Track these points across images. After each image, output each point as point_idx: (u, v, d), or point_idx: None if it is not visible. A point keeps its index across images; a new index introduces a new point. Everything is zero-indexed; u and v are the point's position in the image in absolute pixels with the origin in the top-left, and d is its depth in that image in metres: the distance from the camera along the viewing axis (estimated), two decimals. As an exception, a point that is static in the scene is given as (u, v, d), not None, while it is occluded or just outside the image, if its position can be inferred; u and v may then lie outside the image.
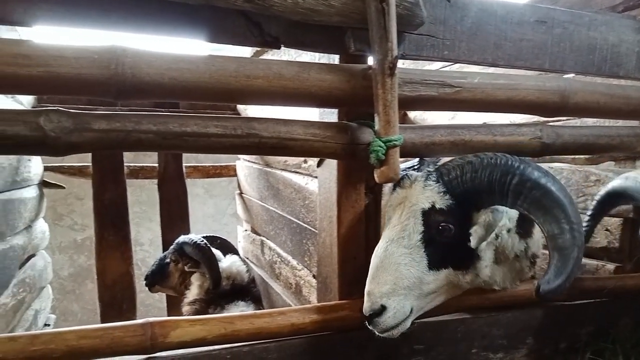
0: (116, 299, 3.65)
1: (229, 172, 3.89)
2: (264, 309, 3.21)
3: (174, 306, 3.84)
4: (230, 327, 1.59)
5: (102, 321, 3.67)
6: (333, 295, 1.82)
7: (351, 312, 1.74)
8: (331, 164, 1.75)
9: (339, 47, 1.58)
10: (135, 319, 3.93)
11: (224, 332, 1.58)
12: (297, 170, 2.47)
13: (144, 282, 3.68)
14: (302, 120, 1.55)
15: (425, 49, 1.65)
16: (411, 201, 1.54)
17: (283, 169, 2.65)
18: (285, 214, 2.65)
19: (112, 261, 3.58)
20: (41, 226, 3.33)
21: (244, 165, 3.47)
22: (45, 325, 3.33)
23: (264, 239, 3.18)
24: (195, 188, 5.20)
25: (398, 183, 1.57)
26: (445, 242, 1.50)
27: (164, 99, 1.36)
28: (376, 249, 1.51)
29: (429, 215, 1.51)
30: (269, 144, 1.48)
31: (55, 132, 1.27)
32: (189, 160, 3.75)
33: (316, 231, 2.23)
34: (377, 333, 1.50)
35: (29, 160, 2.76)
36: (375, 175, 1.52)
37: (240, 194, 3.67)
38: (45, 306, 3.36)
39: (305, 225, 2.36)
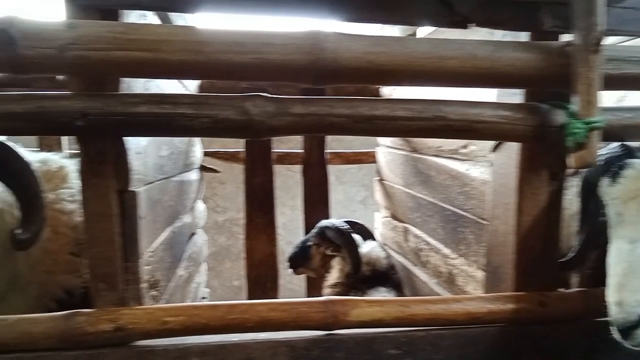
0: (261, 277, 3.87)
1: (369, 158, 3.92)
2: (404, 296, 3.19)
3: (313, 288, 3.96)
4: (407, 310, 1.60)
5: (249, 297, 3.92)
6: (506, 286, 1.75)
7: (528, 304, 1.66)
8: (510, 149, 1.67)
9: (530, 24, 1.49)
10: (277, 298, 4.13)
11: (400, 315, 1.59)
12: (453, 155, 2.41)
13: (287, 264, 3.83)
14: (490, 101, 1.49)
15: (628, 23, 1.50)
16: None
17: (436, 155, 2.60)
18: (437, 201, 2.60)
19: (259, 242, 3.80)
20: (200, 206, 3.62)
21: (386, 151, 3.47)
22: (202, 298, 3.63)
23: (408, 226, 3.16)
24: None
25: (617, 173, 1.41)
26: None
27: (356, 82, 1.39)
28: (614, 251, 1.37)
29: None
30: (455, 126, 1.44)
31: (260, 117, 1.35)
32: (330, 146, 3.83)
33: (476, 219, 2.15)
34: (631, 347, 1.33)
35: (194, 145, 3.00)
36: (571, 160, 1.41)
37: (381, 180, 3.68)
38: (202, 280, 3.66)
39: (463, 213, 2.29)
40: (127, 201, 1.49)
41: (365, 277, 3.35)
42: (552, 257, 1.69)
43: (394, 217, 3.51)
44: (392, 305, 1.60)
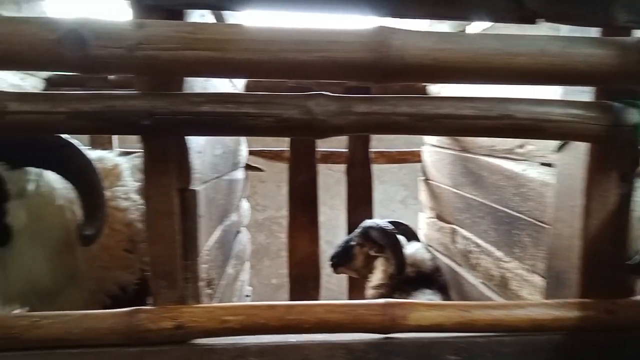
0: (303, 276, 3.87)
1: (414, 157, 3.86)
2: (451, 299, 3.13)
3: (354, 288, 3.94)
4: (468, 315, 1.55)
5: (291, 296, 3.93)
6: (570, 292, 1.68)
7: (595, 312, 1.59)
8: (577, 149, 1.60)
9: (602, 19, 1.42)
10: (318, 297, 4.11)
11: (460, 320, 1.55)
12: (508, 155, 2.33)
13: (329, 263, 3.82)
14: (559, 99, 1.43)
15: None
16: None
17: (488, 155, 2.53)
18: (489, 202, 2.53)
19: (301, 241, 3.80)
20: (245, 205, 3.65)
21: (432, 150, 3.41)
22: (246, 296, 3.66)
23: (455, 227, 3.10)
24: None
25: None
26: None
27: (421, 80, 1.35)
28: None
29: None
30: (522, 125, 1.39)
31: (323, 116, 1.33)
32: (375, 146, 3.79)
33: (533, 221, 2.08)
34: None
35: (241, 144, 3.01)
36: (648, 162, 1.34)
37: (426, 180, 3.62)
38: (246, 278, 3.69)
39: (518, 215, 2.22)
40: (187, 199, 1.50)
41: (410, 278, 3.30)
42: (622, 263, 1.61)
43: (440, 218, 3.45)
44: (452, 310, 1.56)
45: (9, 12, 2.59)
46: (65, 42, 1.18)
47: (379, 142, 4.29)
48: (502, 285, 2.43)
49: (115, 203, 1.90)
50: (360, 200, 3.75)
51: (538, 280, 2.03)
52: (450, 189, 3.14)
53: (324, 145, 3.76)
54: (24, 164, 1.57)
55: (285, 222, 6.59)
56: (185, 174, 1.48)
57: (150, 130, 1.31)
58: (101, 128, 1.30)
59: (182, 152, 1.46)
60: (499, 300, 2.42)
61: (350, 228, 3.75)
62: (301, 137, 1.35)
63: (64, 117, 1.26)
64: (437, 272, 3.40)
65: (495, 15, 1.38)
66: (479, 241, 2.72)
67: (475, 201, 2.73)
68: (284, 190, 6.48)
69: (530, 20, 1.41)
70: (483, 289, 2.68)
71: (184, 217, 1.51)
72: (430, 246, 3.61)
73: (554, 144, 1.72)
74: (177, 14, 1.33)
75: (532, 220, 2.09)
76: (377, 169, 5.91)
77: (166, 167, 1.42)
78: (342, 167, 3.95)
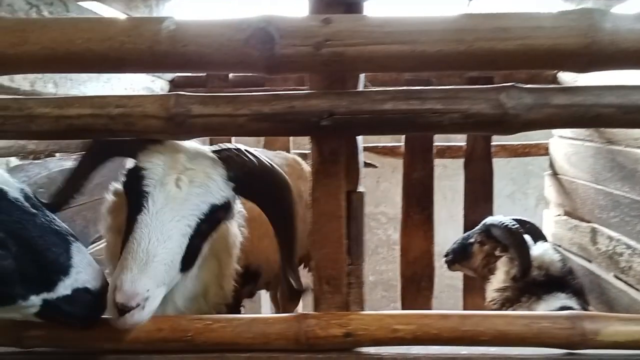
0: (416, 275, 3.74)
1: (539, 150, 3.60)
2: (588, 304, 2.87)
3: (470, 288, 3.76)
4: (672, 331, 1.37)
5: (402, 295, 3.82)
6: None
7: None
8: None
9: None
10: (432, 298, 3.95)
11: (663, 337, 1.36)
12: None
13: (444, 259, 3.66)
14: None
15: None
16: None
17: (645, 147, 2.27)
18: (648, 200, 2.28)
19: (415, 239, 3.67)
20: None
21: (565, 143, 3.14)
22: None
23: (596, 226, 2.84)
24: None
25: None
26: None
27: (631, 68, 1.18)
28: None
29: None
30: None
31: (516, 109, 1.21)
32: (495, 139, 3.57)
33: None
34: None
35: (360, 140, 2.93)
36: None
37: (555, 174, 3.35)
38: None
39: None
40: (354, 201, 1.44)
41: (539, 281, 3.08)
42: None
43: (572, 215, 3.18)
44: (654, 325, 1.37)
45: (141, 13, 2.68)
46: (252, 41, 1.14)
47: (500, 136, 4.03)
48: (666, 292, 2.18)
49: None
50: (479, 197, 3.55)
51: None
52: (590, 184, 2.88)
53: (439, 139, 3.61)
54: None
55: (383, 218, 6.53)
56: (354, 175, 1.42)
57: (329, 131, 1.25)
58: (280, 129, 1.26)
59: (352, 153, 1.40)
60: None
61: (467, 225, 3.57)
62: (488, 134, 1.23)
63: (245, 120, 1.23)
64: (569, 275, 3.14)
65: None
66: (631, 242, 2.46)
67: (627, 198, 2.46)
68: (383, 187, 6.40)
69: None
70: (636, 295, 2.42)
71: (349, 220, 1.44)
72: (559, 246, 3.35)
73: None
74: (355, 7, 1.26)
75: None
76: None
77: (336, 169, 1.37)
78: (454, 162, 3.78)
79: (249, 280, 2.24)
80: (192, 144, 1.46)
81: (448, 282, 5.23)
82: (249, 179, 1.46)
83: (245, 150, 1.46)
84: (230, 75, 3.16)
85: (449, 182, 5.45)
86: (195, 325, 1.41)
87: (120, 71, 1.41)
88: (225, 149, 1.48)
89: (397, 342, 1.42)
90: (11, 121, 1.24)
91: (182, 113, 1.22)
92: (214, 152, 1.47)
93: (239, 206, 1.72)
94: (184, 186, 1.34)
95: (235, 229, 1.71)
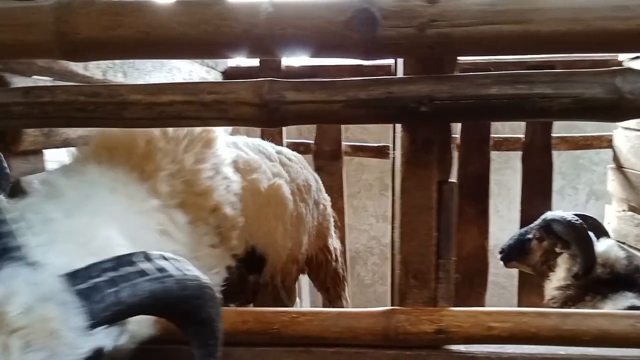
0: (470, 271, 3.64)
1: (602, 143, 3.45)
2: (659, 303, 2.74)
3: (526, 285, 3.64)
4: None
5: (455, 292, 3.74)
6: None
7: None
8: None
9: None
10: (485, 294, 3.83)
11: None
12: None
13: (499, 255, 3.55)
14: None
15: None
16: None
17: None
18: None
19: (469, 234, 3.57)
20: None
21: (633, 135, 3.00)
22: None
23: (668, 222, 2.71)
24: (517, 162, 4.85)
25: None
26: None
27: None
28: None
29: None
30: None
31: (633, 94, 1.12)
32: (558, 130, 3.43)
33: None
34: None
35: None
36: None
37: (620, 168, 3.21)
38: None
39: None
40: (445, 192, 1.37)
41: (603, 279, 2.95)
42: None
43: (638, 211, 3.04)
44: None
45: None
46: (353, 23, 1.09)
47: (560, 128, 3.86)
48: None
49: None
50: (536, 192, 3.43)
51: None
52: (662, 178, 2.74)
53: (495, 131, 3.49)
54: None
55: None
56: (447, 164, 1.35)
57: (427, 117, 1.19)
58: (376, 116, 1.20)
59: (446, 141, 1.33)
60: None
61: (524, 221, 3.45)
62: (599, 120, 1.15)
63: (340, 106, 1.18)
64: (636, 273, 3.00)
65: None
66: None
67: None
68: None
69: None
70: None
71: (440, 212, 1.38)
72: (623, 243, 3.21)
73: None
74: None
75: None
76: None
77: (429, 158, 1.30)
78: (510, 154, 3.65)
79: (253, 268, 1.80)
80: None
81: (492, 279, 5.09)
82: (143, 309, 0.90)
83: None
84: (283, 65, 3.12)
85: (495, 175, 5.29)
86: (281, 317, 1.37)
87: (215, 56, 1.38)
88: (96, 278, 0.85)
89: (492, 340, 1.35)
90: (102, 108, 1.22)
91: (275, 99, 1.18)
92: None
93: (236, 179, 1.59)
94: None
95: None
